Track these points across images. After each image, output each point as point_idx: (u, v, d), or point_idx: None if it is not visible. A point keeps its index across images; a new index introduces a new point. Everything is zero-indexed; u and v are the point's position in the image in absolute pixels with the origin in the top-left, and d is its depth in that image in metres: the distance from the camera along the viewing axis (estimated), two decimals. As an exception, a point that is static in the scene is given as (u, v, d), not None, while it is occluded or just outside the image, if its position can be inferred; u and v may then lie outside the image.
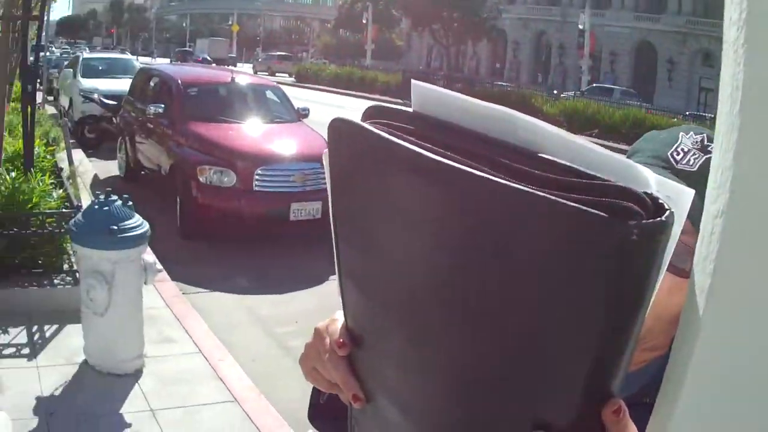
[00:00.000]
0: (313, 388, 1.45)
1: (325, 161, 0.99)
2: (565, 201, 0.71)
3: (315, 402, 1.51)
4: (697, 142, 1.35)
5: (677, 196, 0.74)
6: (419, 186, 0.83)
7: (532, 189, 0.73)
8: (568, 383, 0.78)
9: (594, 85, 59.53)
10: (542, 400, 0.81)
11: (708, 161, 1.22)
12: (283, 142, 12.39)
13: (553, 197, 0.72)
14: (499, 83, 57.40)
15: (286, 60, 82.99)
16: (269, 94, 15.03)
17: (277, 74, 66.24)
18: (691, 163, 1.30)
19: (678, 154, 1.33)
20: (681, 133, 1.39)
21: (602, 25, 69.87)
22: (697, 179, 0.78)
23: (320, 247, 10.86)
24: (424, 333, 0.90)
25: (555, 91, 53.36)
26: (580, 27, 62.11)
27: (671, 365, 0.78)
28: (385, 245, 0.92)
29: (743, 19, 0.67)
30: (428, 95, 0.95)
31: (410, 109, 0.97)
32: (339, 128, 0.93)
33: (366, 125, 0.91)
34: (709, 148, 1.32)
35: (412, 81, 0.97)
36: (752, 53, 0.66)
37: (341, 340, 1.08)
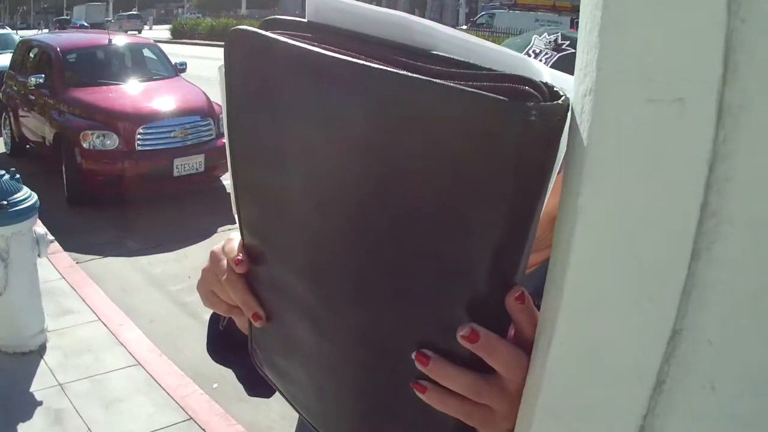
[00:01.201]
0: (211, 318, 1.44)
1: (220, 75, 0.98)
2: (463, 87, 0.71)
3: (214, 332, 1.47)
4: (550, 42, 1.33)
5: (569, 88, 0.76)
6: (317, 86, 0.84)
7: (432, 79, 0.73)
8: (474, 276, 0.79)
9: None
10: (450, 295, 0.81)
11: (562, 59, 1.23)
12: (162, 99, 12.27)
13: (452, 84, 0.72)
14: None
15: (134, 18, 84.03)
16: (146, 52, 14.84)
17: (128, 32, 67.41)
18: (542, 63, 1.27)
19: (529, 56, 1.29)
20: (534, 36, 1.36)
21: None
22: None
23: (205, 201, 10.86)
24: (328, 237, 0.90)
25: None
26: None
27: (555, 248, 0.79)
28: (285, 152, 0.91)
29: None
30: (323, 4, 0.94)
31: (305, 20, 0.96)
32: (237, 38, 0.93)
33: (263, 32, 0.91)
34: (563, 46, 1.30)
35: None
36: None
37: (239, 257, 1.07)
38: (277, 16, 0.98)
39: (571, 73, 0.81)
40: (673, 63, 0.62)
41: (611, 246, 0.69)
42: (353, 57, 0.80)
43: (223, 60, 0.96)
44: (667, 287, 0.67)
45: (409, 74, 0.75)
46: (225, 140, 1.03)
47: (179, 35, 60.48)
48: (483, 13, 51.75)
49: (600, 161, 0.68)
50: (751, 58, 0.59)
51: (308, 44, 0.85)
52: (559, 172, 0.76)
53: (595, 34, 0.67)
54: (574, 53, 1.27)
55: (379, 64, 0.78)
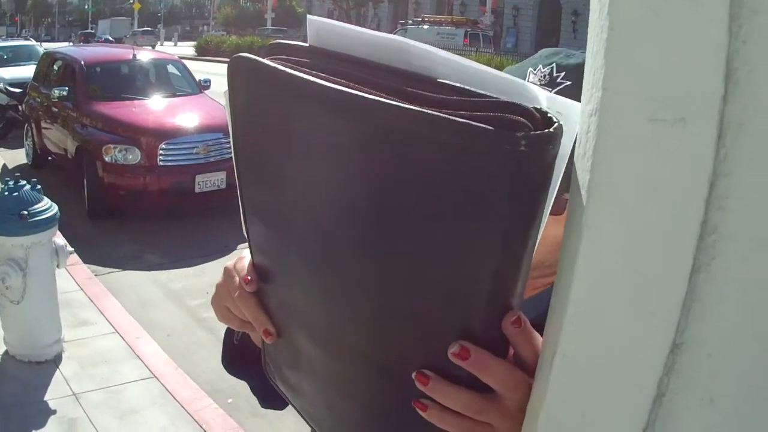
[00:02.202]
0: (227, 332, 1.46)
1: (225, 99, 1.00)
2: (453, 117, 0.72)
3: (229, 345, 1.49)
4: (544, 75, 1.30)
5: (567, 111, 0.77)
6: (316, 114, 0.85)
7: (422, 108, 0.74)
8: (471, 300, 0.80)
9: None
10: (447, 317, 0.83)
11: (559, 93, 1.20)
12: (186, 116, 12.27)
13: (442, 113, 0.73)
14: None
15: (148, 34, 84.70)
16: (171, 68, 14.85)
17: (142, 47, 68.21)
18: None
19: None
20: (529, 70, 1.33)
21: (504, -20, 70.09)
22: None
23: (226, 217, 10.86)
24: (330, 259, 0.91)
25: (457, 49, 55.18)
26: (482, -17, 62.56)
27: (561, 263, 0.80)
28: (287, 176, 0.93)
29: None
30: (323, 29, 0.96)
31: (307, 44, 0.98)
32: (237, 65, 0.94)
33: (263, 60, 0.92)
34: (558, 79, 1.28)
35: (308, 16, 0.98)
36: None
37: (248, 276, 1.09)
38: (281, 41, 1.00)
39: None
40: (675, 83, 0.64)
41: (614, 261, 0.70)
42: (347, 85, 0.82)
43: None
44: (667, 301, 0.68)
45: (401, 104, 0.76)
46: (233, 163, 1.04)
47: (204, 52, 60.58)
48: (399, 29, 57.57)
49: (604, 179, 0.69)
50: (751, 78, 0.61)
51: (303, 72, 0.86)
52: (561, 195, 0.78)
53: (601, 56, 0.68)
54: (571, 84, 1.24)
55: (373, 93, 0.79)
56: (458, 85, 0.80)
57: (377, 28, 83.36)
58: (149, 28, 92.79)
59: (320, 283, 0.95)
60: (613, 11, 0.67)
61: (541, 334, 0.85)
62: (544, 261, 1.17)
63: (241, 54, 0.94)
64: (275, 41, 1.00)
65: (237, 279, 1.14)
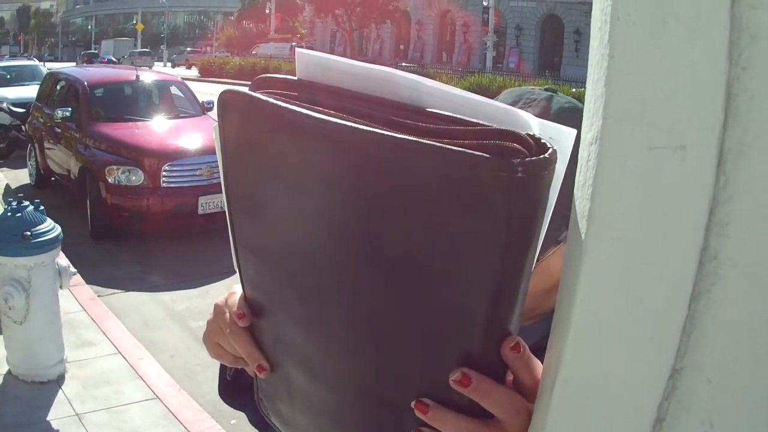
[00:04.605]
0: (221, 365, 1.44)
1: (215, 135, 0.99)
2: (449, 146, 0.72)
3: (223, 378, 1.48)
4: None
5: (559, 137, 0.76)
6: (309, 147, 0.84)
7: (417, 138, 0.74)
8: (468, 327, 0.79)
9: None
10: (445, 345, 0.82)
11: None
12: (189, 137, 12.25)
13: (438, 143, 0.73)
14: (403, 64, 58.40)
15: (145, 55, 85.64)
16: (174, 89, 14.87)
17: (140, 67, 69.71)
18: None
19: None
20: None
21: (506, 0, 69.96)
22: None
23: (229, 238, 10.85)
24: (325, 292, 0.91)
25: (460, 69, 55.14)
26: (485, 4, 62.43)
27: (561, 290, 0.80)
28: (280, 209, 0.92)
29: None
30: (311, 62, 0.95)
31: (295, 78, 0.97)
32: (228, 99, 0.93)
33: (254, 94, 0.91)
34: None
35: (296, 49, 0.98)
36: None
37: (241, 311, 1.07)
38: (269, 75, 0.99)
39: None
40: (675, 111, 0.64)
41: (614, 287, 0.70)
42: (339, 117, 0.81)
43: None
44: (667, 327, 0.68)
45: (395, 135, 0.76)
46: (223, 198, 1.03)
47: (207, 73, 60.67)
48: (254, 47, 69.03)
49: (604, 207, 0.69)
50: (751, 104, 0.61)
51: (295, 105, 0.86)
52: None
53: (601, 84, 0.69)
54: None
55: (365, 125, 0.79)
56: (449, 114, 0.80)
57: (380, 49, 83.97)
58: (146, 49, 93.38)
59: (315, 315, 0.94)
60: (613, 39, 0.67)
61: (540, 359, 0.85)
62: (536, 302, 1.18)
63: (230, 89, 0.93)
64: (262, 75, 0.99)
65: (228, 315, 1.13)
